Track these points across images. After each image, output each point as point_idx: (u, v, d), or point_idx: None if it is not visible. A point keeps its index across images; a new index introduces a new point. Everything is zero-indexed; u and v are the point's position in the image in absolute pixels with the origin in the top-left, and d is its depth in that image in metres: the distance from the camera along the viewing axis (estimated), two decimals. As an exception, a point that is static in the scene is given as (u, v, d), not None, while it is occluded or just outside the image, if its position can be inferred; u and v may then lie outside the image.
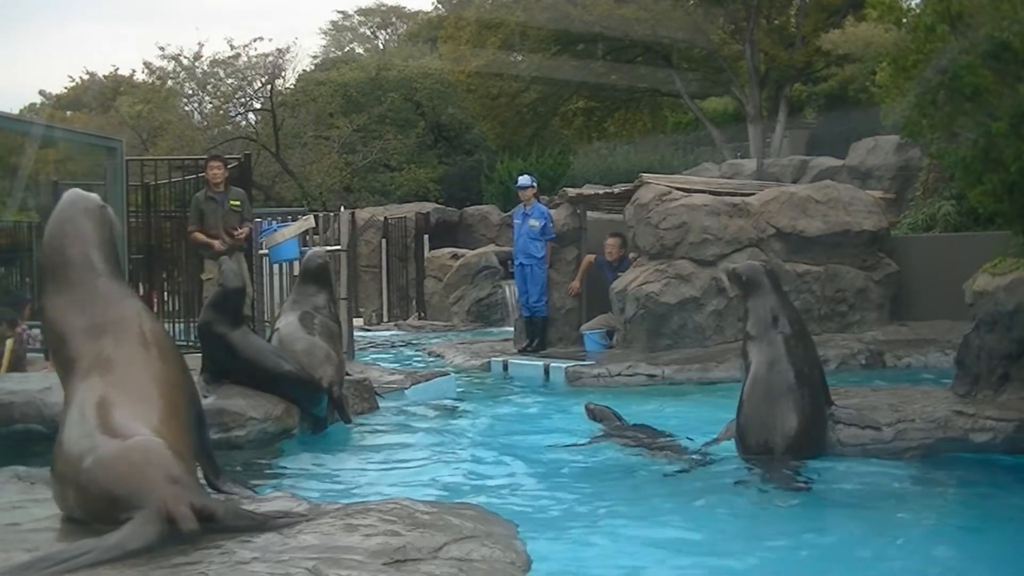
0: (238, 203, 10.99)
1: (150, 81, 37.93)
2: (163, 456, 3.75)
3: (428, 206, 27.36)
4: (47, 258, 4.45)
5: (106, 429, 3.85)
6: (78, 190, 4.64)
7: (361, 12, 49.22)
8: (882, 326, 12.50)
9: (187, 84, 36.85)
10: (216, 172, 10.98)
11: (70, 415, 4.02)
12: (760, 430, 6.53)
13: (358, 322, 20.46)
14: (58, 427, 4.12)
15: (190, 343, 10.52)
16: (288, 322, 8.64)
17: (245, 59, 34.67)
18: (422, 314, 22.73)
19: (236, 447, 6.97)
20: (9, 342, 10.11)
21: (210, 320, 7.84)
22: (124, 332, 4.27)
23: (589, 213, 14.27)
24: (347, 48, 46.43)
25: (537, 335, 13.31)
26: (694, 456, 6.89)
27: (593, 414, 8.27)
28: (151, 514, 3.46)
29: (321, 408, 7.94)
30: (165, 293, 14.28)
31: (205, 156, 12.86)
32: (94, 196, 4.55)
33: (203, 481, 4.32)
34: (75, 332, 4.29)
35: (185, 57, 35.48)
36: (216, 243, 10.56)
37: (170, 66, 36.19)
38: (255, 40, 42.08)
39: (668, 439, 7.44)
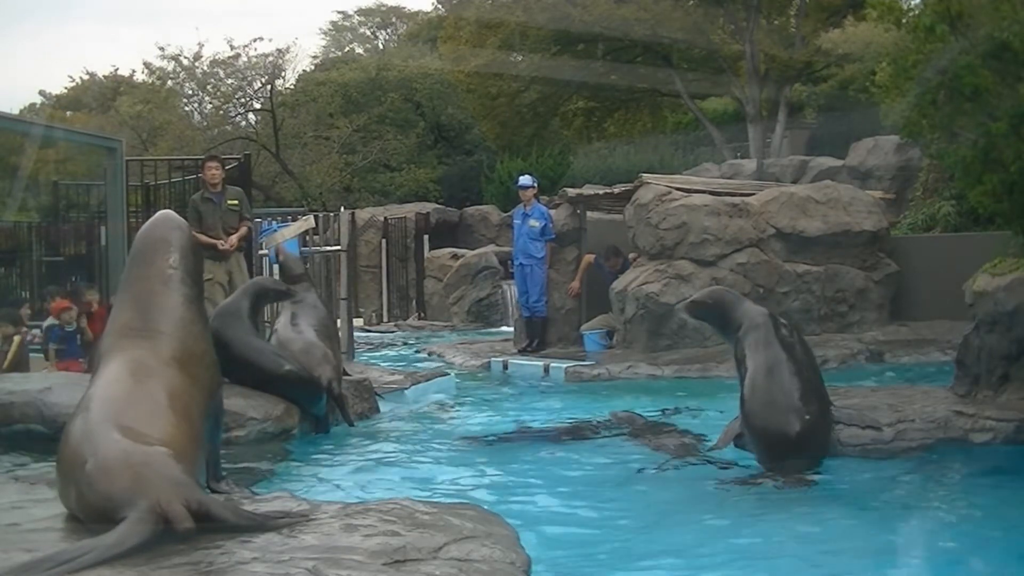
0: (236, 202, 10.93)
1: (150, 81, 37.88)
2: (163, 458, 3.77)
3: (428, 206, 27.34)
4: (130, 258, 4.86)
5: (112, 431, 3.88)
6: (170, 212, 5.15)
7: (361, 12, 49.20)
8: (882, 326, 12.50)
9: (187, 84, 36.82)
10: (214, 173, 10.93)
11: (78, 415, 4.06)
12: (765, 431, 6.50)
13: (358, 322, 20.45)
14: (64, 425, 4.16)
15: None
16: (285, 323, 8.66)
17: (245, 59, 34.65)
18: (422, 314, 22.72)
19: (236, 447, 6.96)
20: (17, 339, 10.11)
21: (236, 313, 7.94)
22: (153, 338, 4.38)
23: (589, 213, 14.26)
24: (347, 48, 46.35)
25: (537, 335, 13.31)
26: (699, 457, 6.89)
27: (620, 421, 8.28)
28: (145, 512, 3.47)
29: (320, 407, 7.94)
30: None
31: (204, 156, 12.83)
32: (180, 219, 4.98)
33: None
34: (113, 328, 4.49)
35: (185, 57, 35.47)
36: (219, 243, 10.50)
37: (170, 66, 36.17)
38: (255, 40, 41.90)
39: (680, 440, 7.44)
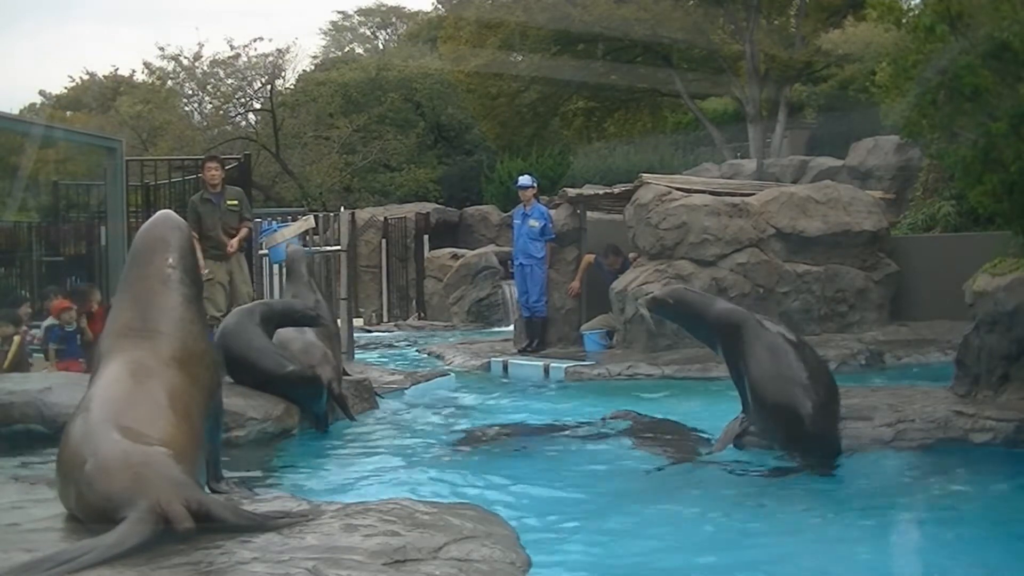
0: (235, 203, 10.91)
1: (150, 81, 37.90)
2: (162, 458, 3.77)
3: (428, 206, 27.35)
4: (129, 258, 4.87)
5: (112, 431, 3.88)
6: (170, 212, 5.14)
7: (361, 12, 49.20)
8: (882, 326, 12.49)
9: (187, 84, 36.85)
10: (213, 173, 10.91)
11: (79, 415, 4.06)
12: (777, 409, 6.51)
13: (358, 322, 20.43)
14: (64, 425, 4.17)
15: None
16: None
17: (245, 59, 34.69)
18: (422, 314, 22.72)
19: (236, 447, 6.96)
20: (17, 339, 10.09)
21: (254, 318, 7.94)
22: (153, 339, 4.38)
23: (589, 213, 14.27)
24: (347, 48, 46.37)
25: (537, 335, 13.30)
26: (699, 458, 6.89)
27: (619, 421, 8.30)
28: (145, 512, 3.48)
29: (320, 405, 7.95)
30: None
31: (204, 157, 12.82)
32: (179, 219, 4.98)
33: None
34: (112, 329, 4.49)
35: (185, 57, 35.50)
36: (200, 264, 10.41)
37: (170, 66, 36.20)
38: (255, 40, 42.01)
39: (680, 439, 7.44)
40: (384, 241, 24.13)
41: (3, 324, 10.23)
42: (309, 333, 8.50)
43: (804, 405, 6.43)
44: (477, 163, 32.95)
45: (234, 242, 10.65)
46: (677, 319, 7.55)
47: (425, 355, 14.98)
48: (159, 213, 5.08)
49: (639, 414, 8.46)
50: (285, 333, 8.47)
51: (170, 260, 4.64)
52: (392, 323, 22.21)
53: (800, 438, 6.40)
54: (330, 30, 48.81)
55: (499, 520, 4.15)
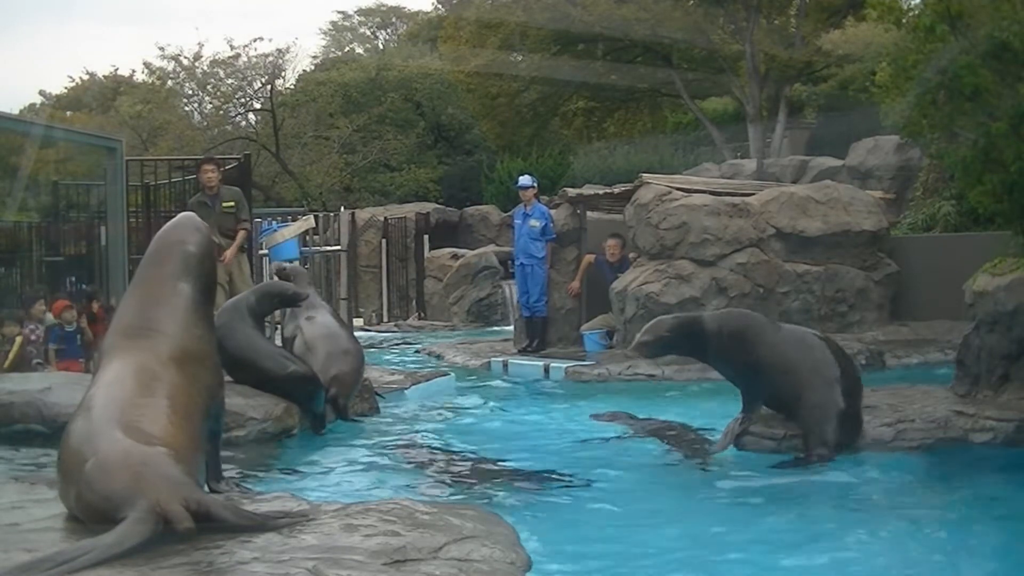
0: (231, 204, 10.84)
1: (150, 81, 37.88)
2: (162, 458, 3.77)
3: (428, 206, 27.32)
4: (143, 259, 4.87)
5: (113, 431, 3.88)
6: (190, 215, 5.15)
7: (361, 12, 49.17)
8: (882, 326, 12.49)
9: (187, 84, 36.82)
10: (210, 175, 10.85)
11: (80, 415, 4.07)
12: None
13: (358, 322, 20.46)
14: (65, 425, 4.17)
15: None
16: (312, 325, 8.80)
17: (245, 59, 34.65)
18: (422, 314, 22.72)
19: (236, 447, 6.96)
20: (19, 339, 10.10)
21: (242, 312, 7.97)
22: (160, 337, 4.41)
23: (589, 213, 14.26)
24: (347, 48, 46.33)
25: (537, 335, 13.31)
26: (699, 456, 6.90)
27: (606, 421, 8.31)
28: (144, 512, 3.48)
29: (319, 404, 7.96)
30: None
31: (200, 158, 12.78)
32: (200, 222, 4.97)
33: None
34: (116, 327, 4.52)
35: (185, 57, 35.46)
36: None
37: (170, 66, 36.16)
38: (255, 40, 41.81)
39: (679, 438, 7.46)
40: (384, 241, 24.12)
41: (10, 323, 10.25)
42: (341, 339, 8.63)
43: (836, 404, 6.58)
44: (477, 163, 32.93)
45: (228, 253, 10.54)
46: (674, 348, 7.46)
47: (425, 355, 14.98)
48: (180, 215, 5.09)
49: (630, 415, 8.44)
50: (312, 336, 8.55)
51: (183, 263, 4.64)
52: (392, 323, 22.20)
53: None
54: (330, 30, 48.82)
55: (499, 520, 4.15)
